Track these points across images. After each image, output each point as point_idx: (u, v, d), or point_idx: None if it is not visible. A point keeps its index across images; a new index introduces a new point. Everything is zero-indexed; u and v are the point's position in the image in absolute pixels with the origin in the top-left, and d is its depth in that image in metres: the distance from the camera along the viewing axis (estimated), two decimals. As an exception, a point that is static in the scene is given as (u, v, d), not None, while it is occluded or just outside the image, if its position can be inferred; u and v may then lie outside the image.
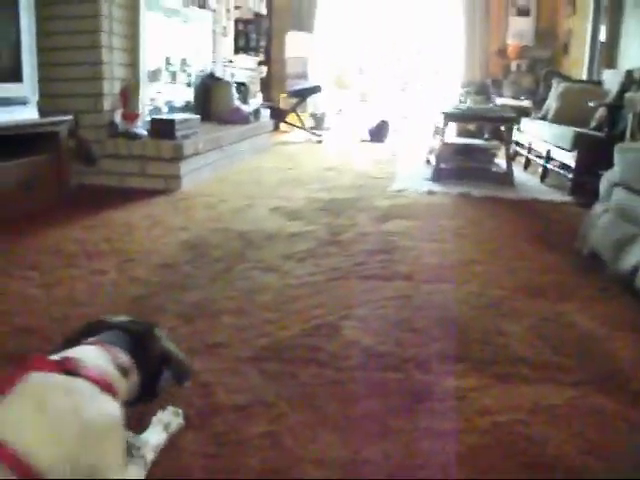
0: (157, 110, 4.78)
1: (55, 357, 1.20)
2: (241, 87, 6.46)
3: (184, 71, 5.39)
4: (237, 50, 7.31)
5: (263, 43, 8.29)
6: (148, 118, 4.37)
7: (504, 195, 4.34)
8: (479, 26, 8.23)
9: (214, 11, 6.09)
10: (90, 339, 1.30)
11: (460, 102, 6.97)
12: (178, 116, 4.41)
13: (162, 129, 4.16)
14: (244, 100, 6.36)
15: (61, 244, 2.87)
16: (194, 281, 2.40)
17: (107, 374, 1.20)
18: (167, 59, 5.01)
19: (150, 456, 1.25)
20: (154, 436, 1.30)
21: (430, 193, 4.28)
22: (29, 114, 3.49)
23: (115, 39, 4.15)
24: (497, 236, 3.20)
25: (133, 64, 4.39)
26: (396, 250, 2.85)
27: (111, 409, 1.16)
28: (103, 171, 4.23)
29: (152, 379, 1.33)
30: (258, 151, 6.08)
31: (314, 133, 7.55)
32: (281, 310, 2.11)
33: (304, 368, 1.71)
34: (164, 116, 4.41)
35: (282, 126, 7.91)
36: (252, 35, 7.85)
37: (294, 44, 8.38)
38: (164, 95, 4.96)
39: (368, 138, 7.49)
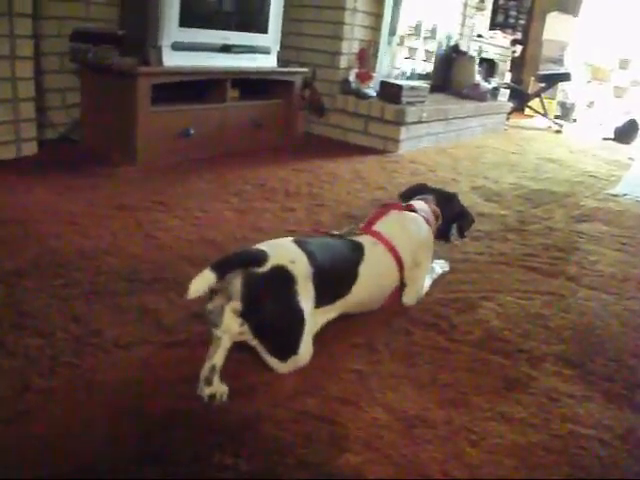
0: (402, 75, 4.97)
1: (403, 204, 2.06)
2: (486, 63, 6.39)
3: (430, 40, 5.48)
4: (493, 26, 7.20)
5: (522, 22, 8.04)
6: (379, 80, 4.55)
7: None
8: None
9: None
10: (419, 196, 2.16)
11: None
12: (407, 82, 4.53)
13: (390, 93, 4.32)
14: (488, 77, 6.30)
15: (268, 180, 3.20)
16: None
17: (429, 215, 2.07)
18: (417, 27, 5.14)
19: (435, 275, 2.17)
20: (437, 268, 2.21)
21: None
22: (269, 62, 3.85)
23: (360, 1, 4.36)
24: None
25: (376, 27, 4.58)
26: (575, 251, 2.74)
27: (429, 235, 2.03)
28: (330, 124, 4.52)
29: (447, 226, 2.17)
30: (489, 130, 6.01)
31: (555, 122, 7.24)
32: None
33: (423, 330, 1.79)
34: (393, 80, 4.55)
35: (527, 110, 7.69)
36: (512, 12, 7.66)
37: (554, 26, 8.02)
38: (409, 61, 5.13)
39: (612, 137, 7.01)
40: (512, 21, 7.73)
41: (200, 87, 3.57)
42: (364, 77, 4.45)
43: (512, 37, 7.64)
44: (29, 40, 3.20)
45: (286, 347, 1.45)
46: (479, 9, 6.49)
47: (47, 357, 1.44)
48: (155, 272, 1.97)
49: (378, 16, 4.57)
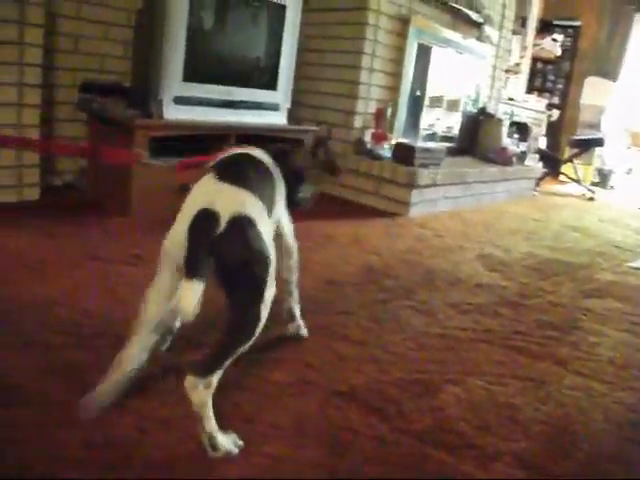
0: (432, 136, 4.93)
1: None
2: (518, 127, 6.28)
3: (456, 102, 5.43)
4: (530, 90, 7.13)
5: (560, 86, 7.95)
6: (394, 141, 4.49)
7: None
8: None
9: (496, 46, 5.99)
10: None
11: None
12: (421, 144, 4.46)
13: (403, 154, 4.25)
14: (519, 141, 6.18)
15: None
16: (344, 303, 2.44)
17: None
18: (441, 88, 5.11)
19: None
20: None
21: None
22: (278, 119, 3.82)
23: (377, 62, 4.34)
24: None
25: (394, 87, 4.55)
26: (574, 331, 2.56)
27: None
28: (343, 184, 4.45)
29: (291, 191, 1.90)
30: (515, 196, 5.86)
31: (588, 189, 7.04)
32: (395, 354, 2.04)
33: (363, 414, 1.64)
34: (407, 142, 4.48)
35: (561, 176, 7.52)
36: (550, 76, 7.58)
37: (592, 90, 7.89)
38: (433, 122, 5.09)
39: (650, 205, 6.78)
40: (550, 85, 7.64)
41: (204, 142, 3.55)
42: (380, 137, 4.40)
43: (547, 101, 7.54)
44: (37, 89, 3.25)
45: (261, 288, 1.42)
46: (514, 72, 6.43)
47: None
48: (98, 327, 1.90)
49: (397, 76, 4.54)
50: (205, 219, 1.36)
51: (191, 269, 1.29)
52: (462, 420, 1.71)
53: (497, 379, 1.99)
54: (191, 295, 1.25)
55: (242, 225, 1.38)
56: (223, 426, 1.41)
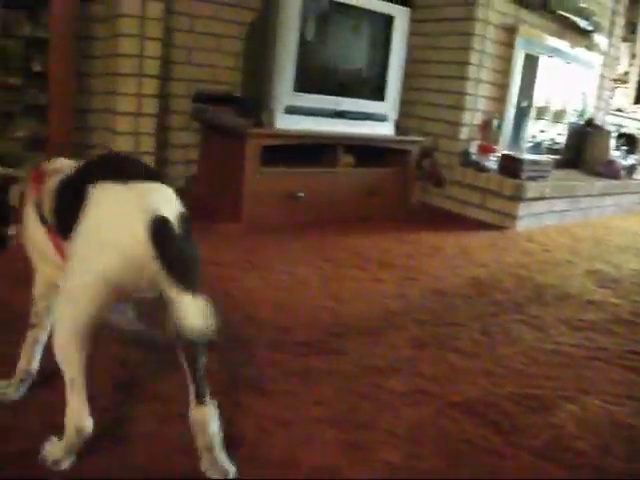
0: (530, 148, 4.83)
1: None
2: (626, 139, 6.04)
3: (562, 113, 5.30)
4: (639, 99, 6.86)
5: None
6: (500, 153, 4.43)
7: None
8: None
9: (605, 54, 5.79)
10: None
11: None
12: (529, 156, 4.37)
13: (509, 166, 4.18)
14: (627, 153, 5.94)
15: (367, 248, 3.16)
16: (453, 314, 2.43)
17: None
18: (547, 99, 5.00)
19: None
20: None
21: None
22: (386, 130, 3.85)
23: (483, 72, 4.29)
24: None
25: (500, 98, 4.48)
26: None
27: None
28: (448, 195, 4.43)
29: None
30: (624, 210, 5.63)
31: None
32: (508, 368, 2.02)
33: (478, 427, 1.63)
34: (514, 154, 4.40)
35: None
36: (662, 87, 7.27)
37: None
38: (539, 134, 4.99)
39: None
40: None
41: (313, 151, 3.62)
42: (485, 149, 4.34)
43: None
44: (154, 99, 3.41)
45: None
46: (622, 82, 6.20)
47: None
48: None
49: (503, 87, 4.47)
50: (165, 225, 1.14)
51: (190, 281, 1.14)
52: (580, 439, 1.66)
53: (614, 399, 1.93)
54: (198, 309, 1.12)
55: (187, 223, 1.21)
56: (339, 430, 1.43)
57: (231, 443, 1.37)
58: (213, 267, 2.57)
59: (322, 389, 1.71)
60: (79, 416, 1.23)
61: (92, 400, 1.25)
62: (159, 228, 1.12)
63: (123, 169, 1.26)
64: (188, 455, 1.29)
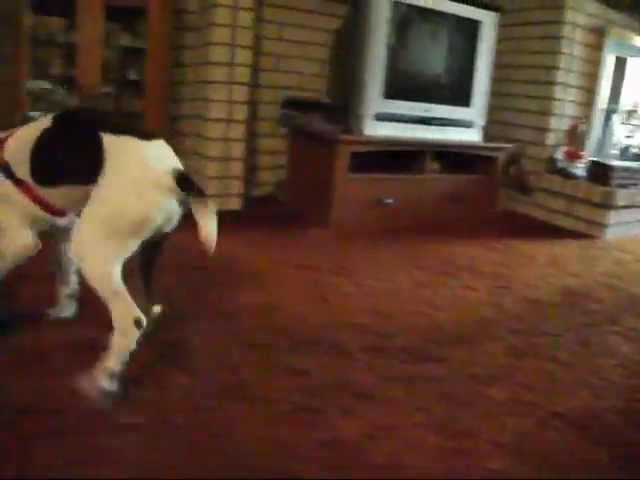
0: (625, 153, 4.71)
1: None
2: None
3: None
4: None
5: None
6: (588, 159, 4.33)
7: None
8: None
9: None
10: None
11: None
12: (620, 163, 4.25)
13: (598, 173, 4.08)
14: None
15: (456, 255, 3.17)
16: (547, 323, 2.40)
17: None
18: (636, 102, 4.86)
19: None
20: None
21: None
22: (472, 136, 3.83)
23: (571, 77, 4.21)
24: None
25: (587, 103, 4.39)
26: None
27: None
28: (535, 203, 4.36)
29: None
30: None
31: None
32: (608, 380, 1.98)
33: (587, 440, 1.61)
34: (603, 160, 4.30)
35: None
36: None
37: None
38: (629, 139, 4.86)
39: None
40: None
41: (400, 157, 3.64)
42: (573, 155, 4.25)
43: None
44: (244, 106, 3.50)
45: None
46: None
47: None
48: (312, 334, 2.03)
49: (591, 91, 4.37)
50: (183, 174, 1.48)
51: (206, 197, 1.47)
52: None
53: None
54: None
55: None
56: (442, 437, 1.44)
57: (339, 446, 1.41)
58: (309, 272, 2.63)
59: (423, 395, 1.73)
60: (132, 310, 1.46)
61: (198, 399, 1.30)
62: (181, 178, 1.46)
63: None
64: (296, 458, 1.33)
